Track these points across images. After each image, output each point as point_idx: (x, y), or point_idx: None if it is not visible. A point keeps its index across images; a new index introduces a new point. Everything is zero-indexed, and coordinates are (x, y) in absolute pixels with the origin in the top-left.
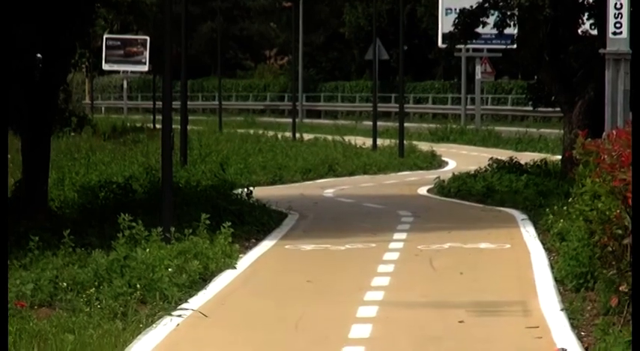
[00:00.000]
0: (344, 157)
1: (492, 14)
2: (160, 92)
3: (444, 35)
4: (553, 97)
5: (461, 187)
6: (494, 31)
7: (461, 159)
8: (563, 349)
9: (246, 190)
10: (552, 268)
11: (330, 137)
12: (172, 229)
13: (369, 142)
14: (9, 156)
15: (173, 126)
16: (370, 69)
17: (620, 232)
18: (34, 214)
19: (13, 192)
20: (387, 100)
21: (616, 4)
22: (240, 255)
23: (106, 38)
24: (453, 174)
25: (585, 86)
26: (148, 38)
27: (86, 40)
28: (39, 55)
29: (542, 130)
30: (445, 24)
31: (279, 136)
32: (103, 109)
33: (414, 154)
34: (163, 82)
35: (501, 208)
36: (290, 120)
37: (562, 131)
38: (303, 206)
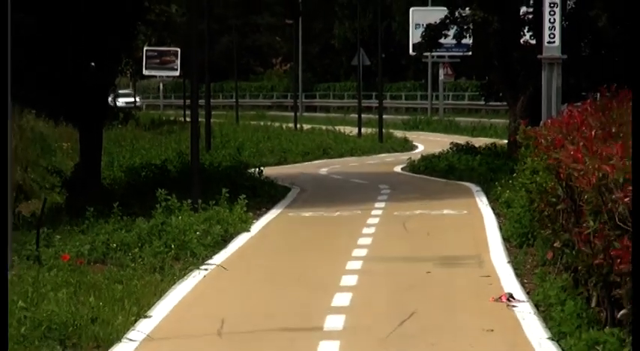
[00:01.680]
0: (335, 142)
1: (452, 28)
2: (189, 92)
3: (413, 45)
4: (501, 94)
5: (428, 166)
6: (454, 42)
7: (428, 143)
8: (509, 293)
9: (257, 169)
10: (500, 229)
11: (324, 127)
12: (199, 200)
13: (355, 130)
14: (69, 144)
15: (199, 119)
16: (355, 73)
17: (554, 200)
18: (90, 190)
19: (72, 173)
20: (369, 97)
21: (550, 19)
22: (253, 221)
23: (146, 50)
24: (422, 155)
25: (526, 85)
26: (178, 49)
27: (130, 51)
28: (92, 64)
29: (492, 120)
30: (415, 36)
31: (284, 126)
32: (144, 106)
33: (391, 139)
34: (191, 84)
35: (460, 182)
36: (292, 114)
37: (508, 121)
38: (303, 182)
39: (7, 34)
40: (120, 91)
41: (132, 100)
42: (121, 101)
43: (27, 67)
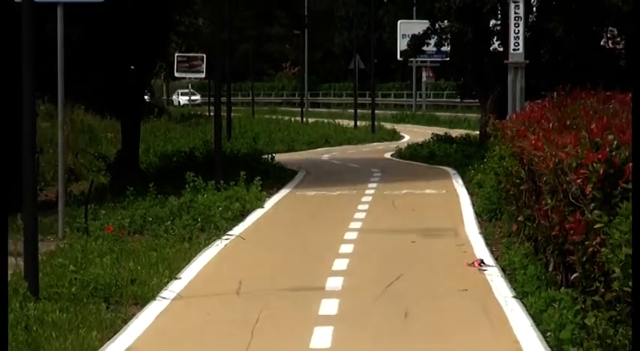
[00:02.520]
0: (335, 133)
1: (433, 38)
2: (213, 91)
3: (401, 52)
4: (473, 93)
5: (412, 153)
6: (435, 49)
7: (412, 134)
8: (481, 259)
9: (270, 155)
10: (473, 206)
11: (325, 120)
12: (221, 181)
13: (351, 123)
14: (112, 134)
15: (221, 114)
16: (352, 75)
17: (518, 181)
18: (130, 173)
19: (115, 158)
20: (363, 95)
21: (515, 30)
22: (266, 199)
23: (177, 55)
24: (407, 144)
25: (495, 85)
26: (204, 55)
27: (163, 57)
28: (132, 67)
29: (466, 114)
30: (402, 44)
31: (292, 119)
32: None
33: (382, 131)
34: (215, 84)
35: (440, 167)
36: (299, 109)
37: (479, 115)
38: (307, 166)
39: (59, 43)
40: (180, 91)
41: (195, 97)
42: (183, 99)
43: (78, 70)
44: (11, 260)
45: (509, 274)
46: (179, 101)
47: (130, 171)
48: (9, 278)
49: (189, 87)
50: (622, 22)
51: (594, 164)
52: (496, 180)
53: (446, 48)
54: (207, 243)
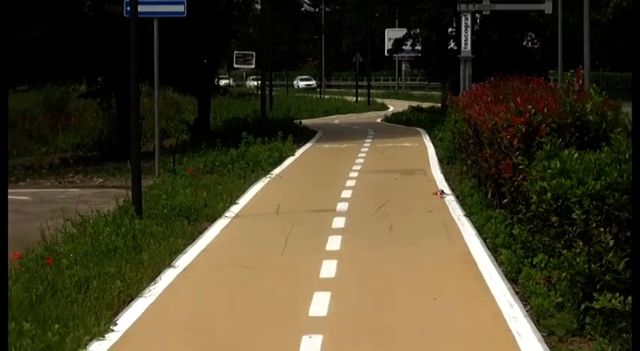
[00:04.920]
0: (343, 105)
1: (409, 40)
2: (260, 77)
3: (388, 50)
4: (437, 78)
5: (395, 118)
6: (411, 48)
7: (395, 106)
8: (441, 190)
9: (299, 121)
10: (437, 154)
11: (336, 97)
12: (265, 138)
13: (354, 99)
14: (192, 107)
15: (266, 92)
16: (354, 66)
17: (467, 137)
18: (203, 132)
19: (193, 122)
20: (362, 80)
21: (464, 35)
22: (296, 150)
23: (235, 53)
24: (392, 113)
25: (451, 73)
26: (254, 53)
27: (226, 54)
28: (205, 61)
29: (432, 92)
30: (388, 45)
31: (313, 96)
32: (235, 85)
33: (375, 104)
34: (262, 72)
35: (414, 128)
36: (318, 89)
37: (441, 93)
38: (324, 128)
39: (155, 45)
40: (300, 77)
41: (311, 82)
42: (302, 84)
43: (168, 63)
44: (122, 192)
45: (461, 200)
46: (298, 85)
47: (203, 131)
48: (121, 204)
49: (308, 74)
50: (538, 29)
51: (519, 125)
52: (452, 136)
53: (418, 47)
54: (256, 179)
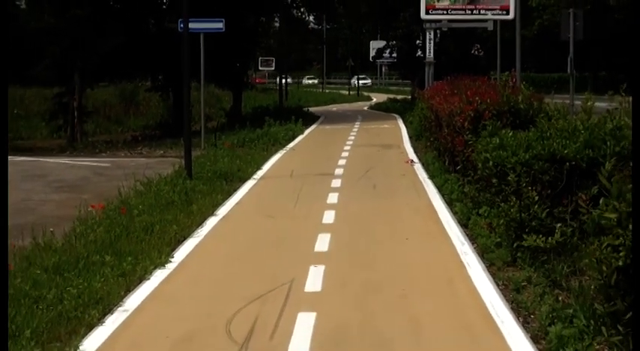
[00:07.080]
0: (338, 97)
1: (388, 50)
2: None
3: (372, 57)
4: (408, 77)
5: (378, 107)
6: (389, 55)
7: (378, 97)
8: (411, 159)
9: (306, 108)
10: (408, 133)
11: (334, 91)
12: (283, 121)
13: (347, 92)
14: (228, 98)
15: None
16: (347, 68)
17: (430, 120)
18: (237, 117)
19: (229, 109)
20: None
21: (429, 46)
22: (305, 130)
23: (260, 58)
24: (375, 103)
25: (419, 73)
26: (274, 58)
27: (253, 59)
28: (237, 64)
29: (405, 88)
30: (372, 53)
31: (317, 91)
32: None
33: (363, 95)
34: (279, 72)
35: (391, 114)
36: (321, 85)
37: (411, 88)
38: (325, 113)
39: (201, 52)
40: (359, 76)
41: (368, 81)
42: (360, 83)
43: (210, 66)
44: (177, 160)
45: (426, 166)
46: (356, 84)
47: (236, 116)
48: (177, 169)
49: (365, 74)
50: (482, 41)
51: (469, 112)
52: (419, 120)
53: (394, 55)
54: (275, 151)
